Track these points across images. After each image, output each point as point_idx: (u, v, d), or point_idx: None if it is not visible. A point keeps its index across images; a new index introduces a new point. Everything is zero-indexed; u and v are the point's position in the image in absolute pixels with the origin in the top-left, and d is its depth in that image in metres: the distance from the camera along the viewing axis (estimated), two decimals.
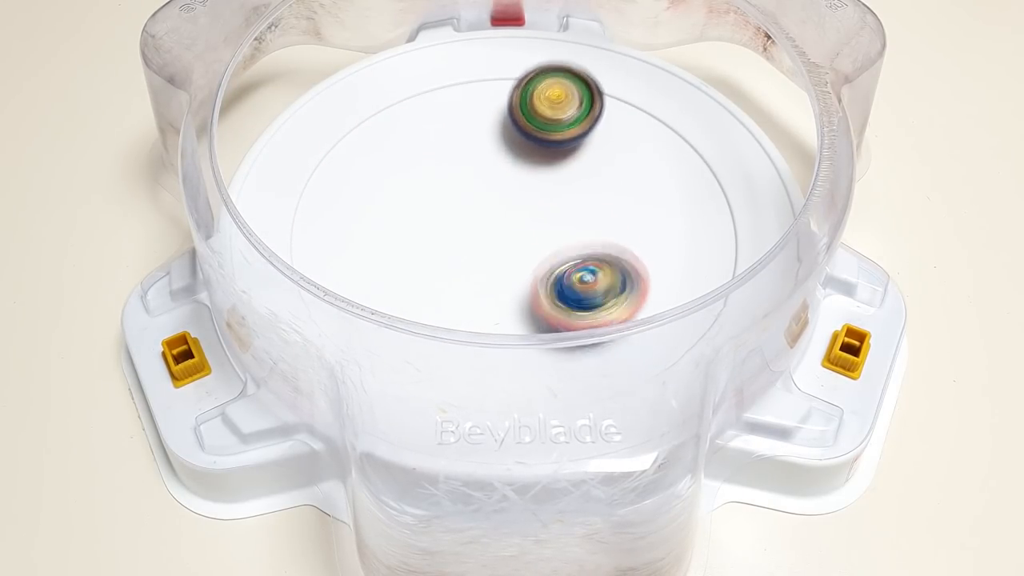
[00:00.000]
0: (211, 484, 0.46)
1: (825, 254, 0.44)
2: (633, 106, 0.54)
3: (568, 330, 0.44)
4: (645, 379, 0.42)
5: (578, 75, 0.52)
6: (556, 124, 0.51)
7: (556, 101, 0.51)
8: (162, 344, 0.47)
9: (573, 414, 0.42)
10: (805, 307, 0.46)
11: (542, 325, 0.45)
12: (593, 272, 0.45)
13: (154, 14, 0.51)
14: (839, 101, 0.48)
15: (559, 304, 0.44)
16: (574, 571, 0.42)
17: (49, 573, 0.45)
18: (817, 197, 0.45)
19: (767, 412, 0.45)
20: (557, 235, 0.49)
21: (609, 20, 0.57)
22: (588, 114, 0.51)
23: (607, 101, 0.53)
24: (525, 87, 0.51)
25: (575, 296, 0.44)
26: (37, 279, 0.53)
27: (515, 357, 0.42)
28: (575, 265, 0.45)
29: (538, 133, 0.51)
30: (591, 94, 0.51)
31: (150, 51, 0.50)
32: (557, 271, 0.45)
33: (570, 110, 0.51)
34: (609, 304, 0.44)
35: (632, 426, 0.41)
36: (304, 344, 0.42)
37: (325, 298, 0.41)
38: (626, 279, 0.45)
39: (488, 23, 0.57)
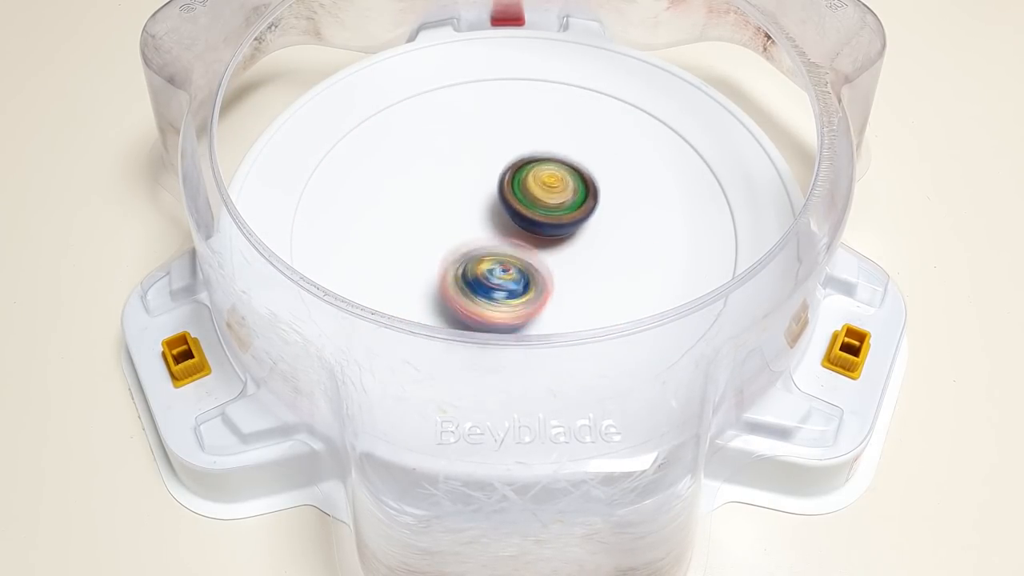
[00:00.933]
0: (211, 484, 0.46)
1: (825, 254, 0.44)
2: (633, 106, 0.54)
3: (463, 314, 0.44)
4: (645, 379, 0.42)
5: (574, 168, 0.49)
6: (549, 208, 0.48)
7: (551, 186, 0.48)
8: (162, 344, 0.47)
9: (573, 414, 0.42)
10: (805, 307, 0.46)
11: (443, 305, 0.46)
12: (504, 268, 0.45)
13: (154, 14, 0.51)
14: (839, 101, 0.48)
15: (463, 286, 0.45)
16: (574, 571, 0.42)
17: (49, 573, 0.45)
18: (817, 197, 0.45)
19: (767, 412, 0.45)
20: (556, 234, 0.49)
21: (609, 20, 0.57)
22: (583, 204, 0.49)
23: (608, 102, 0.53)
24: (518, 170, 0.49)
25: (481, 285, 0.45)
26: (37, 279, 0.53)
27: (515, 357, 0.42)
28: (492, 258, 0.46)
29: (529, 213, 0.48)
30: (586, 187, 0.49)
31: (150, 51, 0.50)
32: (472, 256, 0.46)
33: (564, 197, 0.48)
34: (511, 302, 0.45)
35: (632, 426, 0.41)
36: (304, 344, 0.42)
37: (325, 298, 0.41)
38: (529, 283, 0.45)
39: (488, 23, 0.57)
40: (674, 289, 0.47)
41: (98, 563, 0.46)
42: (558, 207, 0.48)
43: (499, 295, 0.45)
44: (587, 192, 0.49)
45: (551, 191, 0.48)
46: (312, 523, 0.46)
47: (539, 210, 0.48)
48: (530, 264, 0.46)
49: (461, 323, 0.45)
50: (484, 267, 0.45)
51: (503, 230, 0.49)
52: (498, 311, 0.45)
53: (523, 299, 0.45)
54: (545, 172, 0.49)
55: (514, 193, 0.48)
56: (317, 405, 0.44)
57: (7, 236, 0.55)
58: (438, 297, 0.46)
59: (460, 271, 0.46)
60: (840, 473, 0.46)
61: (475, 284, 0.45)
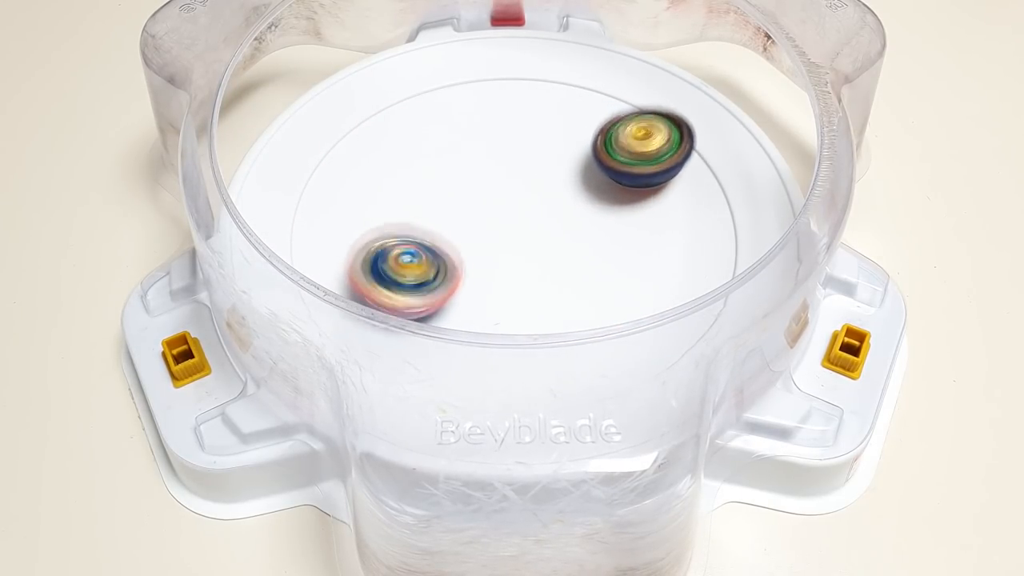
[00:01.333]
0: (211, 484, 0.46)
1: (825, 254, 0.44)
2: (633, 106, 0.54)
3: (369, 301, 0.44)
4: (645, 379, 0.42)
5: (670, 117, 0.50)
6: (642, 159, 0.49)
7: (642, 137, 0.49)
8: (162, 344, 0.47)
9: (573, 414, 0.42)
10: (805, 307, 0.46)
11: (350, 292, 0.45)
12: (413, 255, 0.45)
13: (154, 14, 0.51)
14: (839, 101, 0.48)
15: (369, 275, 0.45)
16: (574, 571, 0.42)
17: (49, 573, 0.45)
18: (817, 197, 0.45)
19: (767, 412, 0.45)
20: (557, 234, 0.49)
21: (609, 20, 0.57)
22: (678, 149, 0.50)
23: (608, 102, 0.53)
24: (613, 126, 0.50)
25: (388, 274, 0.45)
26: (37, 279, 0.53)
27: (515, 357, 0.41)
28: (400, 244, 0.45)
29: (622, 167, 0.49)
30: (680, 134, 0.50)
31: (150, 51, 0.50)
32: (379, 244, 0.45)
33: (657, 144, 0.49)
34: (418, 290, 0.45)
35: (632, 426, 0.41)
36: (304, 344, 0.42)
37: (325, 298, 0.41)
38: (440, 271, 0.45)
39: (488, 23, 0.57)
40: (674, 289, 0.47)
41: (98, 563, 0.46)
42: (656, 154, 0.49)
43: (406, 283, 0.45)
44: (681, 133, 0.50)
45: (645, 142, 0.49)
46: (312, 523, 0.46)
47: (639, 163, 0.49)
48: (439, 249, 0.46)
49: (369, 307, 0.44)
50: (394, 255, 0.45)
51: (503, 230, 0.49)
52: (404, 299, 0.44)
53: (434, 286, 0.45)
54: (633, 126, 0.50)
55: (610, 154, 0.49)
56: (317, 405, 0.44)
57: (7, 236, 0.55)
58: (346, 284, 0.45)
59: (368, 260, 0.45)
60: (840, 473, 0.46)
61: (382, 275, 0.45)
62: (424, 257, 0.45)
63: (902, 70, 0.58)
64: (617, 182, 0.50)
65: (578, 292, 0.48)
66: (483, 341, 0.40)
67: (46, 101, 0.60)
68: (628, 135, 0.50)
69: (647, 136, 0.49)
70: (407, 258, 0.45)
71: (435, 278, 0.45)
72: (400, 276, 0.45)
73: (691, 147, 0.50)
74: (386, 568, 0.42)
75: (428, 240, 0.46)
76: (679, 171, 0.50)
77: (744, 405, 0.45)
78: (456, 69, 0.55)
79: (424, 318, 0.45)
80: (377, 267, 0.45)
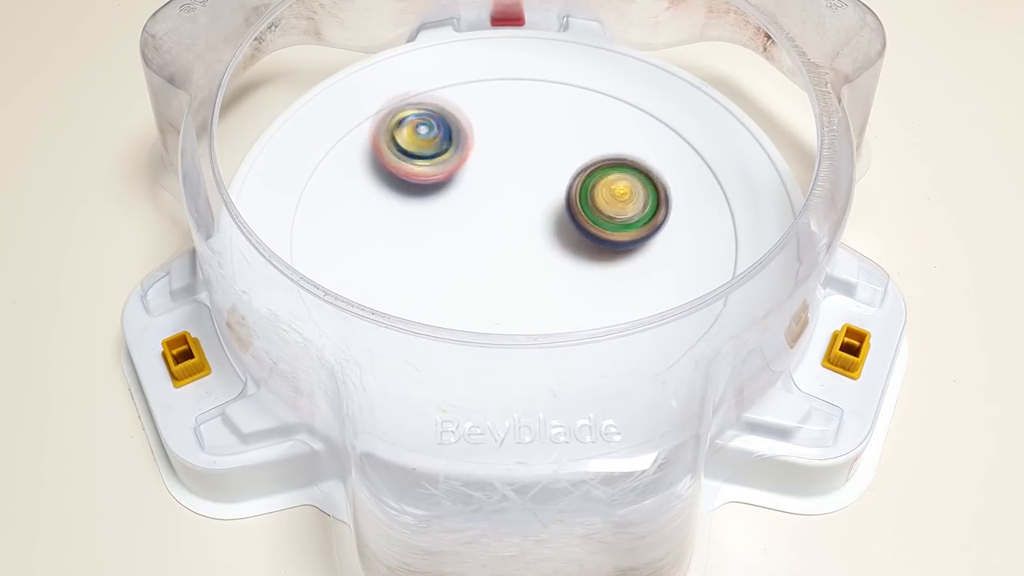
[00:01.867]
0: (211, 484, 0.46)
1: (825, 254, 0.44)
2: (633, 106, 0.54)
3: (399, 173, 0.50)
4: (645, 379, 0.42)
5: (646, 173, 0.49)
6: (614, 223, 0.48)
7: (620, 198, 0.48)
8: (162, 344, 0.47)
9: (573, 414, 0.42)
10: (805, 307, 0.46)
11: (379, 161, 0.50)
12: (429, 126, 0.50)
13: (154, 14, 0.51)
14: (839, 101, 0.48)
15: (395, 150, 0.50)
16: (574, 571, 0.42)
17: (49, 573, 0.45)
18: (817, 197, 0.45)
19: (767, 412, 0.45)
20: (557, 234, 0.49)
21: (609, 20, 0.57)
22: (652, 218, 0.48)
23: (608, 102, 0.53)
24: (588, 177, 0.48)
25: (409, 149, 0.50)
26: (37, 279, 0.53)
27: (515, 357, 0.41)
28: (416, 115, 0.51)
29: (593, 229, 0.48)
30: (657, 197, 0.48)
31: (150, 51, 0.50)
32: (397, 116, 0.51)
33: (633, 210, 0.48)
34: (439, 158, 0.50)
35: (632, 426, 0.41)
36: (304, 344, 0.42)
37: (325, 298, 0.41)
38: (452, 134, 0.50)
39: (488, 23, 0.57)
40: (674, 289, 0.47)
41: (98, 563, 0.46)
42: (629, 220, 0.48)
43: (426, 153, 0.50)
44: (658, 200, 0.48)
45: (621, 203, 0.48)
46: (312, 523, 0.46)
47: (608, 227, 0.48)
48: (452, 117, 0.51)
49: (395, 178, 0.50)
50: (409, 127, 0.50)
51: (501, 228, 0.49)
52: (424, 167, 0.50)
53: (446, 155, 0.50)
54: (614, 182, 0.48)
55: (584, 212, 0.48)
56: (317, 405, 0.44)
57: (7, 236, 0.55)
58: (373, 156, 0.51)
59: (391, 135, 0.50)
60: (840, 473, 0.46)
61: (404, 150, 0.50)
62: (437, 129, 0.50)
63: (902, 70, 0.58)
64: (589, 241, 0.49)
65: (578, 292, 0.48)
66: (483, 341, 0.40)
67: (46, 101, 0.60)
68: (604, 193, 0.48)
69: (625, 197, 0.48)
70: (424, 130, 0.50)
71: (448, 148, 0.50)
72: (417, 148, 0.50)
73: (667, 214, 0.48)
74: (386, 568, 0.42)
75: (443, 109, 0.51)
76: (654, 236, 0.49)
77: (744, 405, 0.45)
78: (456, 69, 0.55)
79: (438, 185, 0.50)
80: (398, 143, 0.50)
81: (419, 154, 0.50)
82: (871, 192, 0.55)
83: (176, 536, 0.46)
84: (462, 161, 0.50)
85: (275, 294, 0.42)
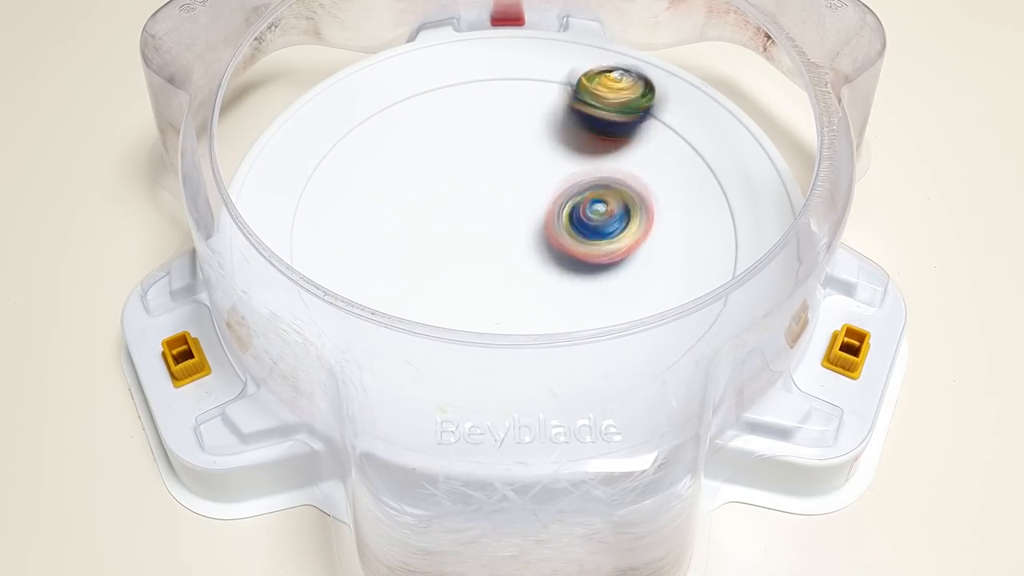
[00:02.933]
0: (211, 484, 0.46)
1: (825, 254, 0.44)
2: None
3: (585, 259, 0.47)
4: (645, 379, 0.42)
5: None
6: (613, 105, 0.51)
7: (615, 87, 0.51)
8: (162, 344, 0.47)
9: (573, 414, 0.42)
10: (805, 307, 0.46)
11: (558, 255, 0.48)
12: (603, 202, 0.48)
13: (154, 14, 0.51)
14: (839, 101, 0.48)
15: (575, 235, 0.47)
16: (574, 571, 0.42)
17: (49, 573, 0.45)
18: (817, 197, 0.45)
19: (767, 412, 0.45)
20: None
21: (609, 20, 0.57)
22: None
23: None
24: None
25: (590, 227, 0.47)
26: (37, 279, 0.53)
27: (515, 357, 0.41)
28: (586, 198, 0.48)
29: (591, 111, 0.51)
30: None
31: (150, 51, 0.50)
32: (570, 203, 0.48)
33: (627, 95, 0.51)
34: (620, 233, 0.48)
35: (632, 426, 0.41)
36: (304, 344, 0.42)
37: (325, 298, 0.41)
38: (630, 207, 0.48)
39: (488, 23, 0.57)
40: (674, 289, 0.47)
41: (98, 563, 0.46)
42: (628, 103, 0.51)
43: (608, 230, 0.47)
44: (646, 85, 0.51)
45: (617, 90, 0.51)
46: (312, 523, 0.46)
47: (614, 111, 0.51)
48: (629, 189, 0.48)
49: (572, 262, 0.48)
50: (587, 210, 0.48)
51: (503, 230, 0.49)
52: (613, 246, 0.47)
53: (634, 223, 0.48)
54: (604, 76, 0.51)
55: (583, 100, 0.51)
56: (317, 405, 0.44)
57: (7, 236, 0.55)
58: (553, 249, 0.48)
59: (568, 222, 0.48)
60: (840, 473, 0.46)
61: (580, 224, 0.48)
62: (612, 199, 0.48)
63: (902, 70, 0.58)
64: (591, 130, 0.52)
65: (578, 292, 0.48)
66: (483, 341, 0.40)
67: (46, 101, 0.60)
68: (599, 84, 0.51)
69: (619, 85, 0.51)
70: (600, 206, 0.48)
71: (629, 215, 0.48)
72: (602, 225, 0.48)
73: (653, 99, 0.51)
74: (386, 568, 0.42)
75: (613, 184, 0.49)
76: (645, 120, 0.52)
77: (744, 405, 0.45)
78: (456, 69, 0.55)
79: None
80: (579, 225, 0.48)
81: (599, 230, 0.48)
82: (871, 192, 0.55)
83: (176, 536, 0.46)
84: (646, 232, 0.48)
85: (275, 294, 0.42)
